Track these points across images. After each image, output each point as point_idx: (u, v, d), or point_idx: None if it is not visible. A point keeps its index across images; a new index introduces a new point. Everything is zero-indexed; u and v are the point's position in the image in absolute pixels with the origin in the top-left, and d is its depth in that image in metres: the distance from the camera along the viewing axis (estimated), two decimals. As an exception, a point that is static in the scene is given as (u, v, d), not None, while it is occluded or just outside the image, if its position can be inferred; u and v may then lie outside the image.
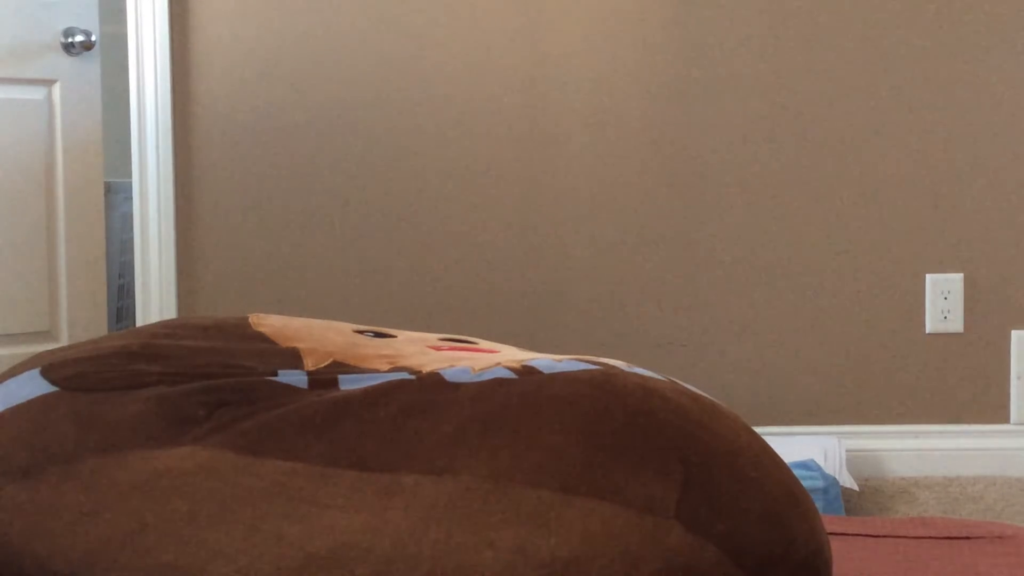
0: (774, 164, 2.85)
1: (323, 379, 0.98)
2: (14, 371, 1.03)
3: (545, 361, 0.99)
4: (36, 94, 3.24)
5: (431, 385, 0.95)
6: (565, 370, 0.97)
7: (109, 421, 0.93)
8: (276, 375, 0.98)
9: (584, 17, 2.85)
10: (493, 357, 1.03)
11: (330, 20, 2.85)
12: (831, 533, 1.22)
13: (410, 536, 0.83)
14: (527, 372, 0.96)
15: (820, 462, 2.56)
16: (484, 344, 1.15)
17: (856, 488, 2.63)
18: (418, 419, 0.91)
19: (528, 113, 2.87)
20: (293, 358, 1.02)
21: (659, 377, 1.00)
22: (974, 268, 2.85)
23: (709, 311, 2.86)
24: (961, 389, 2.86)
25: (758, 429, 1.16)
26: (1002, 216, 2.84)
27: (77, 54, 3.29)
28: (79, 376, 0.98)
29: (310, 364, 1.01)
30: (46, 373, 0.99)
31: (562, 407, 0.91)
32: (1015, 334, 2.85)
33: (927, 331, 2.86)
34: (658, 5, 2.85)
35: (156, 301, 2.89)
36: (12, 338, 3.11)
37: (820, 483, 2.48)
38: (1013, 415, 2.86)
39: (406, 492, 0.85)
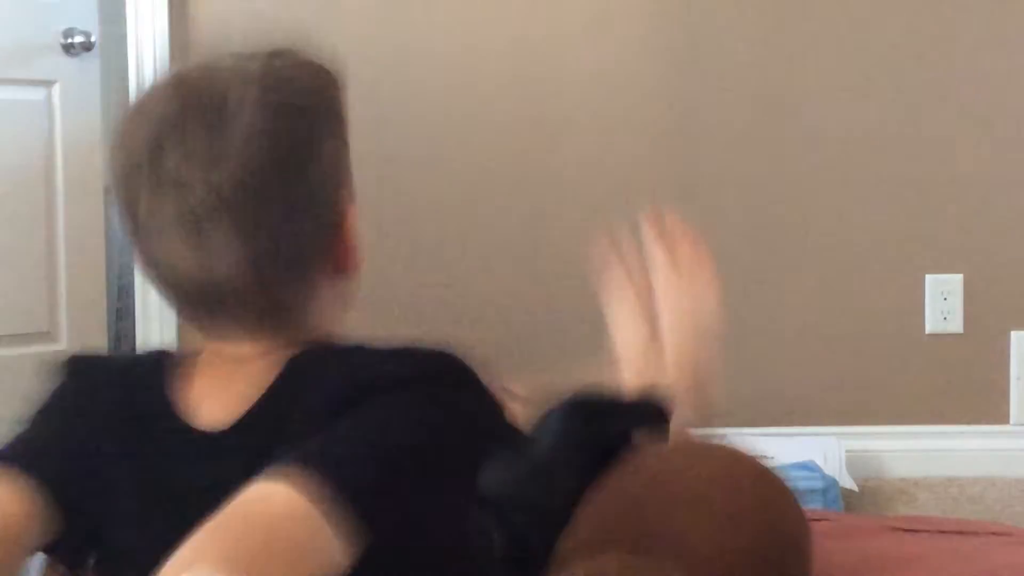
0: (774, 163, 2.85)
1: None
2: None
3: None
4: (36, 94, 3.23)
5: None
6: None
7: None
8: None
9: (584, 15, 2.85)
10: None
11: (329, 20, 2.85)
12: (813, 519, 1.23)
13: None
14: None
15: (820, 463, 2.56)
16: None
17: (855, 489, 2.63)
18: None
19: (528, 112, 2.87)
20: None
21: None
22: (974, 269, 2.85)
23: (709, 311, 2.86)
24: (961, 390, 2.86)
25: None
26: (1002, 217, 2.84)
27: (77, 55, 3.28)
28: None
29: None
30: None
31: None
32: (1015, 335, 2.85)
33: (927, 332, 2.86)
34: (661, 5, 2.85)
35: (156, 301, 2.89)
36: (12, 338, 3.11)
37: (819, 484, 2.48)
38: (1013, 416, 2.86)
39: None
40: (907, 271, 2.85)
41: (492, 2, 2.86)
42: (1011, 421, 2.86)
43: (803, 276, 2.86)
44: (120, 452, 1.05)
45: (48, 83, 3.26)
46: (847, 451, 2.70)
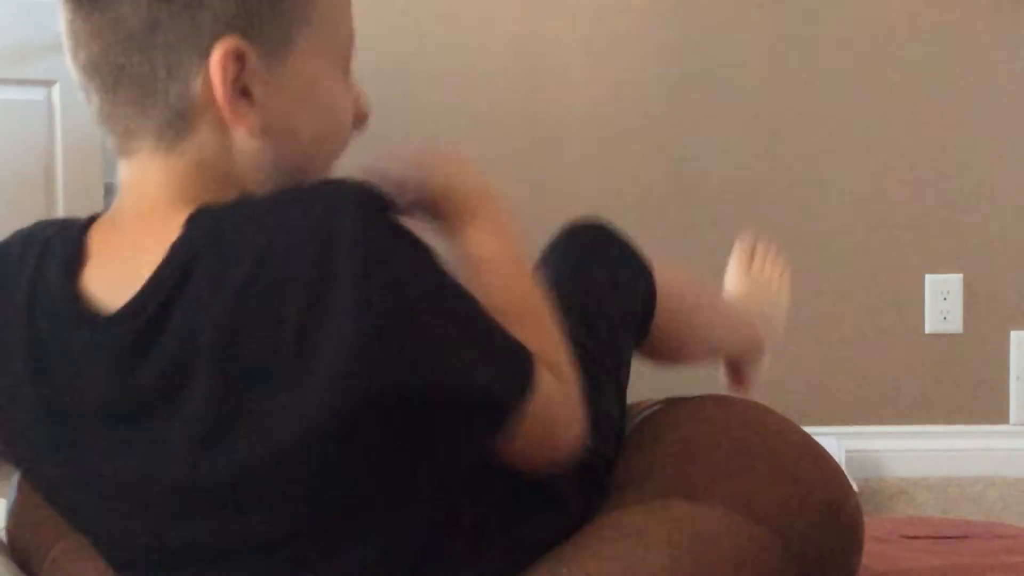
0: (774, 164, 2.85)
1: None
2: None
3: None
4: (36, 94, 3.23)
5: None
6: None
7: None
8: None
9: (584, 17, 2.85)
10: None
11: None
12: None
13: None
14: None
15: (819, 462, 2.55)
16: None
17: (855, 489, 2.63)
18: None
19: (527, 115, 2.87)
20: None
21: None
22: (973, 269, 2.85)
23: (708, 311, 2.86)
24: (960, 390, 2.86)
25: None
26: (1001, 217, 2.84)
27: (77, 54, 3.28)
28: None
29: None
30: None
31: None
32: (1014, 335, 2.86)
33: (926, 332, 2.86)
34: (659, 5, 2.85)
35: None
36: (12, 338, 3.10)
37: (819, 483, 2.48)
38: (1012, 416, 2.86)
39: None
40: (907, 271, 2.85)
41: (491, 3, 2.86)
42: (1010, 421, 2.86)
43: (802, 276, 2.86)
44: (24, 356, 0.93)
45: (48, 83, 3.26)
46: (847, 451, 2.71)
